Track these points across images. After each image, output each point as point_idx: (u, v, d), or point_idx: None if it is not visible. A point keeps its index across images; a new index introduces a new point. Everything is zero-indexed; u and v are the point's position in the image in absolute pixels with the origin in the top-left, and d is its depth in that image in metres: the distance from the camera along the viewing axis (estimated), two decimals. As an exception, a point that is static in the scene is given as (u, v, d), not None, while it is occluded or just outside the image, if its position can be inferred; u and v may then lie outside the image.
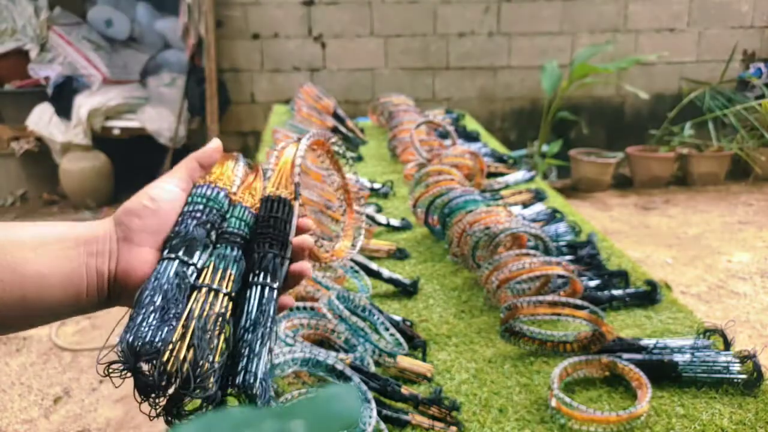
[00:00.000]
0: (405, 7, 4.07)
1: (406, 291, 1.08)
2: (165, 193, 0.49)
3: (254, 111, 4.16)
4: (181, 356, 0.39)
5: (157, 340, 0.39)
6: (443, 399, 0.76)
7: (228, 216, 0.51)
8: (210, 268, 0.46)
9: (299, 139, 0.58)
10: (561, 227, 1.27)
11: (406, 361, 0.84)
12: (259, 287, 0.46)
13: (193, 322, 0.41)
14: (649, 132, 4.28)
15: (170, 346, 0.39)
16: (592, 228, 1.32)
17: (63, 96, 3.91)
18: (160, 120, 3.89)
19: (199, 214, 0.49)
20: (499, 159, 1.81)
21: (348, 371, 0.73)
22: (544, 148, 4.02)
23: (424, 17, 4.10)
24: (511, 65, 4.21)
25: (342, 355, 0.77)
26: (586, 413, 0.73)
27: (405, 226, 1.38)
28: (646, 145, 4.23)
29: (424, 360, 0.88)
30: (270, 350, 0.44)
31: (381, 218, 1.38)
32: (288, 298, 0.50)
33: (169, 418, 0.41)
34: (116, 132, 3.90)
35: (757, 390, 0.79)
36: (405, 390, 0.76)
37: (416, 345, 0.90)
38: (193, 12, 3.76)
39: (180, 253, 0.45)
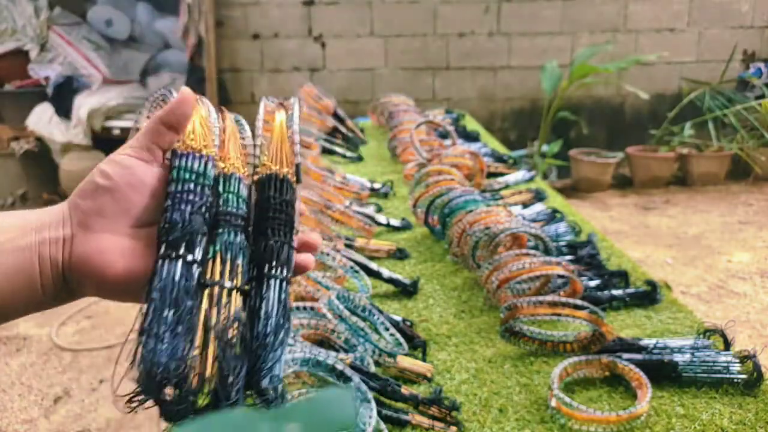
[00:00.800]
0: (405, 7, 4.07)
1: (406, 291, 1.08)
2: (121, 168, 0.40)
3: (254, 111, 4.10)
4: (207, 374, 0.36)
5: (178, 362, 0.35)
6: (443, 399, 0.76)
7: (222, 191, 0.43)
8: (217, 260, 0.40)
9: (283, 104, 0.51)
10: (561, 227, 1.27)
11: (406, 361, 0.84)
12: (278, 282, 0.41)
13: (212, 333, 0.38)
14: (649, 132, 4.28)
15: (192, 364, 0.36)
16: (592, 228, 1.32)
17: (63, 96, 3.91)
18: (160, 120, 3.89)
19: (192, 196, 0.41)
20: (499, 159, 1.81)
21: (348, 371, 0.73)
22: (544, 148, 4.02)
23: (424, 17, 4.10)
24: (511, 65, 4.21)
25: (342, 355, 0.78)
26: (586, 413, 0.73)
27: (405, 226, 1.38)
28: (646, 145, 4.23)
29: (424, 360, 0.88)
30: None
31: (381, 218, 1.38)
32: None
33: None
34: (116, 132, 3.90)
35: (757, 390, 0.79)
36: (405, 390, 0.76)
37: (416, 345, 0.90)
38: (193, 12, 3.76)
39: (181, 251, 0.39)
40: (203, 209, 0.41)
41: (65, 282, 0.40)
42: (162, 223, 0.40)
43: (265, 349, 0.39)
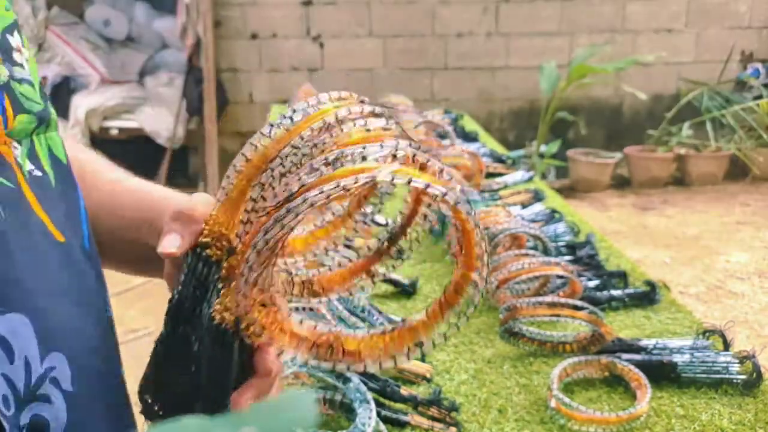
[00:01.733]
0: (403, 7, 4.07)
1: (405, 291, 1.08)
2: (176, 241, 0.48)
3: (252, 111, 4.15)
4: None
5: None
6: (442, 399, 0.75)
7: (210, 294, 0.44)
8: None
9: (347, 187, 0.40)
10: (560, 227, 1.27)
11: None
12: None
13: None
14: (648, 132, 4.28)
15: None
16: (591, 228, 1.32)
17: (60, 96, 3.90)
18: (158, 120, 3.89)
19: (192, 290, 0.44)
20: (498, 159, 1.80)
21: (347, 372, 0.73)
22: (543, 148, 4.02)
23: (423, 17, 4.09)
24: (510, 66, 4.21)
25: (341, 356, 0.77)
26: (586, 414, 0.72)
27: (404, 227, 1.38)
28: (644, 145, 4.23)
29: (423, 360, 0.88)
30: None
31: (380, 218, 1.37)
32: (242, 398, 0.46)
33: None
34: (114, 132, 3.89)
35: (757, 390, 0.79)
36: (404, 390, 0.75)
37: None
38: (191, 12, 3.76)
39: (170, 326, 0.45)
40: (192, 300, 0.44)
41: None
42: (174, 291, 0.45)
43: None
